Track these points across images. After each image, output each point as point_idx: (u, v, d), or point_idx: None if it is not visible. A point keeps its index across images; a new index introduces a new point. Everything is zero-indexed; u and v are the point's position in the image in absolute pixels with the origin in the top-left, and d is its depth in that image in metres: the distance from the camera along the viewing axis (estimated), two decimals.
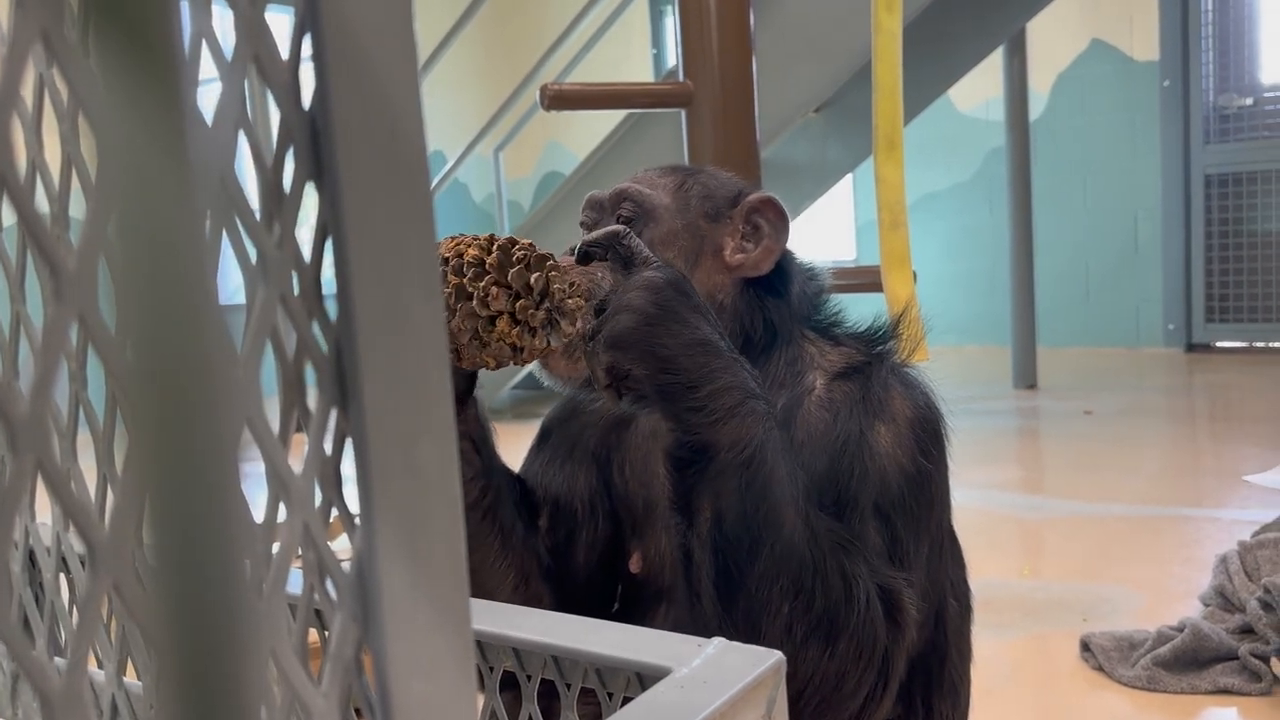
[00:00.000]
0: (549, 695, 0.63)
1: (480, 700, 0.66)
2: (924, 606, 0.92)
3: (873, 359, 0.98)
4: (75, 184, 0.51)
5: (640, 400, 0.89)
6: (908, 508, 0.90)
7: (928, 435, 0.94)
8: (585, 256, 0.90)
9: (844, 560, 0.84)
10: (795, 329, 1.00)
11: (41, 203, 0.51)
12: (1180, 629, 1.98)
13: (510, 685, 0.65)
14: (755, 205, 0.99)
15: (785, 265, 1.00)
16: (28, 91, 0.53)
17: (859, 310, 1.06)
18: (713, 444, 0.81)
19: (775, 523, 0.81)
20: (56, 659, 0.72)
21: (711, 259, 0.99)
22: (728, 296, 0.99)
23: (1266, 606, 1.98)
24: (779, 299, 1.00)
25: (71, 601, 0.73)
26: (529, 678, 0.62)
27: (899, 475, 0.91)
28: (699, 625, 0.84)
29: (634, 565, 1.00)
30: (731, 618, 0.82)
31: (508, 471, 1.02)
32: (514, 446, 1.05)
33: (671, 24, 6.22)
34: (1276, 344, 5.62)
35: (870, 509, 0.89)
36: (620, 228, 0.90)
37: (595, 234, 0.90)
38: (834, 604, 0.82)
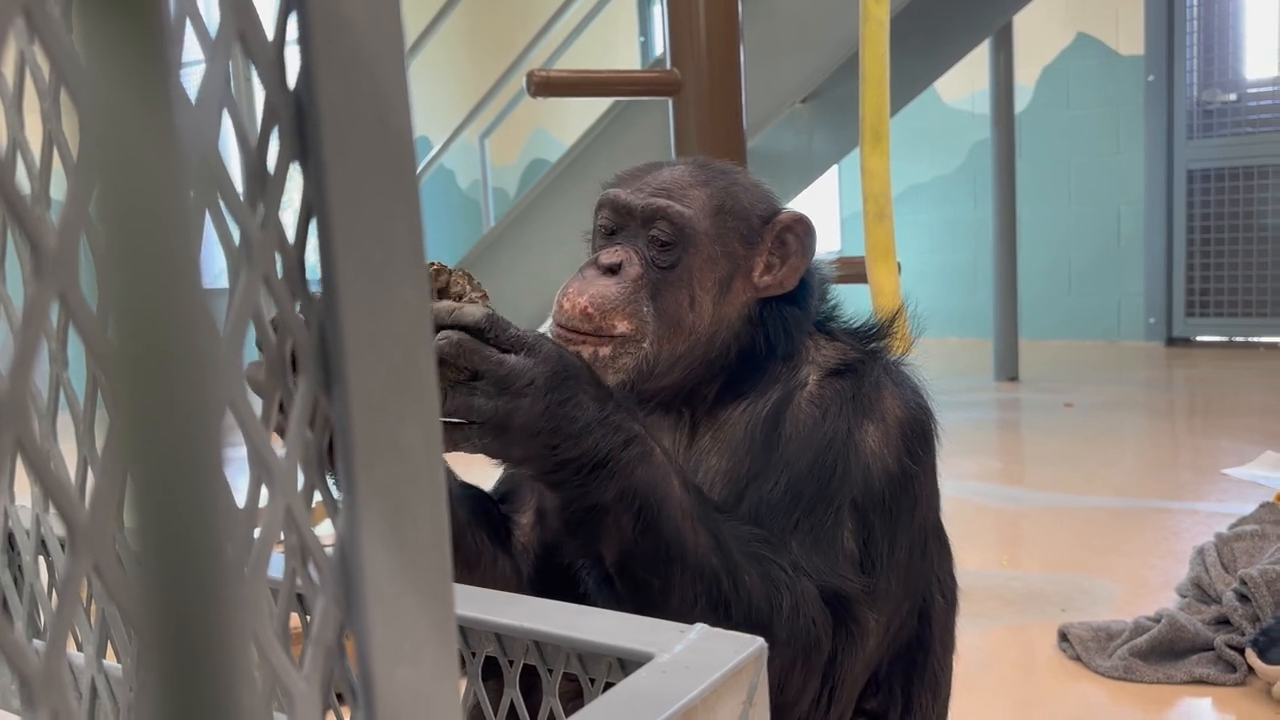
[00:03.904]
0: (531, 678, 0.63)
1: (462, 685, 0.66)
2: (895, 609, 0.93)
3: (866, 356, 0.98)
4: (56, 163, 0.50)
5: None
6: (888, 509, 0.91)
7: (916, 436, 0.94)
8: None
9: (765, 567, 0.84)
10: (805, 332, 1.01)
11: (22, 181, 0.50)
12: (1157, 620, 2.00)
13: (493, 671, 0.65)
14: (787, 224, 0.99)
15: (806, 277, 1.01)
16: (8, 68, 0.53)
17: (843, 301, 1.07)
18: (600, 504, 0.80)
19: (679, 550, 0.81)
20: (35, 641, 0.71)
21: (742, 280, 0.99)
22: (752, 311, 0.99)
23: (1242, 598, 2.00)
24: (797, 308, 1.00)
25: (50, 584, 0.73)
26: (511, 663, 0.62)
27: (883, 475, 0.91)
28: None
29: None
30: None
31: (461, 485, 1.01)
32: None
33: (659, 12, 6.19)
34: (1256, 339, 5.67)
35: (848, 508, 0.89)
36: (488, 319, 0.77)
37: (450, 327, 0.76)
38: (756, 612, 0.82)
